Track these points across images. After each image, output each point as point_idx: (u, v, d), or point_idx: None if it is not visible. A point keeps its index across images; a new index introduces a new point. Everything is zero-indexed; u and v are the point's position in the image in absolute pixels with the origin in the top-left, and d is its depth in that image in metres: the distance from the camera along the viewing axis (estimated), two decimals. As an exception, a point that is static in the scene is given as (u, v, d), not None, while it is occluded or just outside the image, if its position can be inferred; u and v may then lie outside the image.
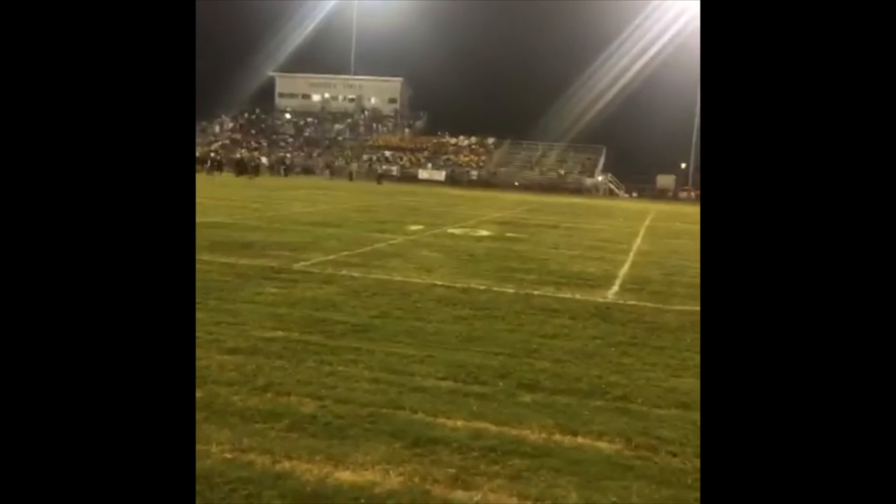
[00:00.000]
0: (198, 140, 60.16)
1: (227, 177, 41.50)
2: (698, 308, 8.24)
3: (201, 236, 11.16)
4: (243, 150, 58.81)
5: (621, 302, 8.51)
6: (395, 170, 56.28)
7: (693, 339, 6.71)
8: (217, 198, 21.94)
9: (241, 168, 46.07)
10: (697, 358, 5.94)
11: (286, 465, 3.58)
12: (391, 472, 3.56)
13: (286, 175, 49.45)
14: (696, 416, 4.56)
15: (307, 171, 55.72)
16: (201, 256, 9.31)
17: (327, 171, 52.93)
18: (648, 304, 8.43)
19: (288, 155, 59.25)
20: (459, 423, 4.24)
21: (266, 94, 70.28)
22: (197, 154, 51.12)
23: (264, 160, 54.89)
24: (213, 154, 52.42)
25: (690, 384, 5.25)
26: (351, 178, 50.54)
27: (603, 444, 4.07)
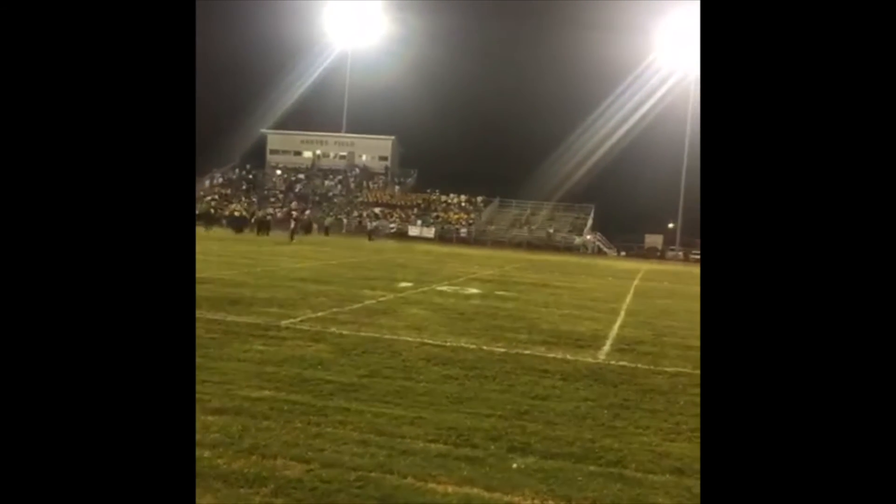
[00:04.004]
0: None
1: (222, 232, 40.99)
2: (690, 370, 8.19)
3: (189, 292, 11.02)
4: (234, 205, 58.91)
5: (613, 363, 8.43)
6: (386, 226, 56.36)
7: (686, 401, 6.63)
8: (204, 252, 21.87)
9: (241, 224, 45.46)
10: (691, 422, 5.86)
11: (270, 532, 3.46)
12: (379, 540, 3.44)
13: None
14: (691, 482, 4.46)
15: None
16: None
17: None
18: (640, 366, 8.36)
19: (277, 211, 59.36)
20: (450, 489, 4.12)
21: (258, 151, 70.90)
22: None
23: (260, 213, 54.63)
24: (212, 208, 52.42)
25: (684, 449, 5.16)
26: (326, 232, 49.85)
27: (597, 512, 3.97)
